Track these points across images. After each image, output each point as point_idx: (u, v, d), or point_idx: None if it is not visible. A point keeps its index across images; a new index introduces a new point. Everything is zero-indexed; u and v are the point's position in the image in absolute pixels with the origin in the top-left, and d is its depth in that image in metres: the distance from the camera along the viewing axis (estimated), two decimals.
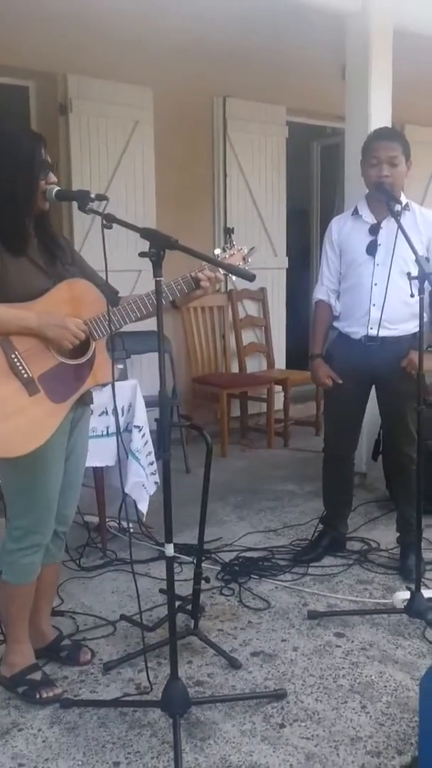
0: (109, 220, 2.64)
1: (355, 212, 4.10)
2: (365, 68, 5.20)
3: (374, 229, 4.00)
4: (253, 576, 4.11)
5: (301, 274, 8.70)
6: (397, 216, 3.69)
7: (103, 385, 2.95)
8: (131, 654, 3.30)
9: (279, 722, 2.89)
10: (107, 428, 4.09)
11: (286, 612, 3.75)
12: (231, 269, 2.79)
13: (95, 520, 4.46)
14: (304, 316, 8.95)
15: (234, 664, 3.25)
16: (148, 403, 4.26)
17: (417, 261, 3.34)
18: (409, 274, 3.44)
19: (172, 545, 2.63)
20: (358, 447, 4.51)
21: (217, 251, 2.98)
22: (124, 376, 4.19)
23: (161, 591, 3.73)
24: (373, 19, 5.13)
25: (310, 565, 4.25)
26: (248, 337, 7.27)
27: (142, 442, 4.18)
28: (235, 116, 6.99)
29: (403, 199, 3.99)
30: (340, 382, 4.10)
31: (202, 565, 3.51)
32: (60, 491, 3.01)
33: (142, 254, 2.57)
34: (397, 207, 3.81)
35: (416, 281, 3.34)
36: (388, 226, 3.93)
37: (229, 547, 4.50)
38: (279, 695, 3.04)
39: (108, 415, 4.05)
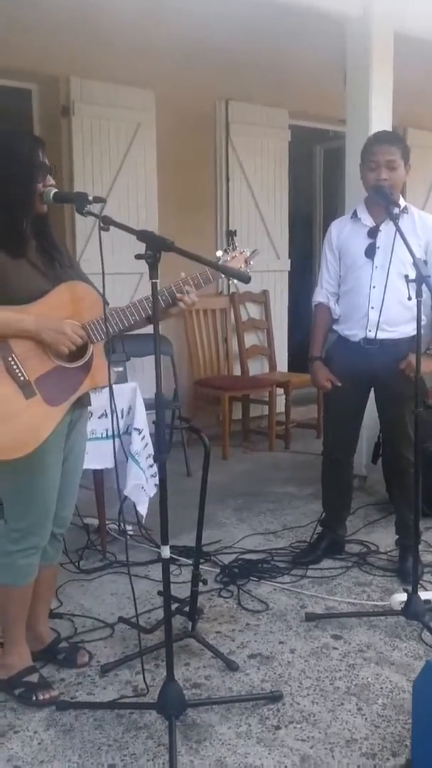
0: (106, 223, 2.65)
1: (354, 215, 4.11)
2: (366, 73, 5.20)
3: (373, 233, 4.00)
4: (252, 578, 4.12)
5: (303, 277, 8.71)
6: (395, 219, 3.70)
7: (101, 389, 2.95)
8: (129, 656, 3.30)
9: (275, 724, 2.90)
10: (107, 431, 4.09)
11: (284, 614, 3.76)
12: (225, 271, 2.80)
13: (95, 522, 4.47)
14: (306, 319, 8.97)
15: (231, 666, 3.25)
16: (149, 406, 4.26)
17: (415, 264, 3.35)
18: (407, 276, 3.45)
19: (168, 547, 2.64)
20: (357, 450, 4.53)
21: (219, 253, 3.00)
22: (123, 379, 4.20)
23: (160, 593, 3.73)
24: (374, 24, 5.13)
25: (309, 567, 4.26)
26: (250, 339, 7.28)
27: (141, 445, 4.19)
28: (238, 120, 6.99)
29: (402, 202, 4.00)
30: (339, 384, 4.11)
31: (201, 567, 3.51)
32: (58, 493, 3.01)
33: (138, 256, 2.59)
34: (396, 210, 3.83)
35: (414, 284, 3.35)
36: (387, 229, 3.94)
37: (229, 549, 4.50)
38: (275, 697, 3.05)
39: (107, 417, 4.05)
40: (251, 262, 3.07)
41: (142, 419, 4.21)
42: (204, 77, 6.61)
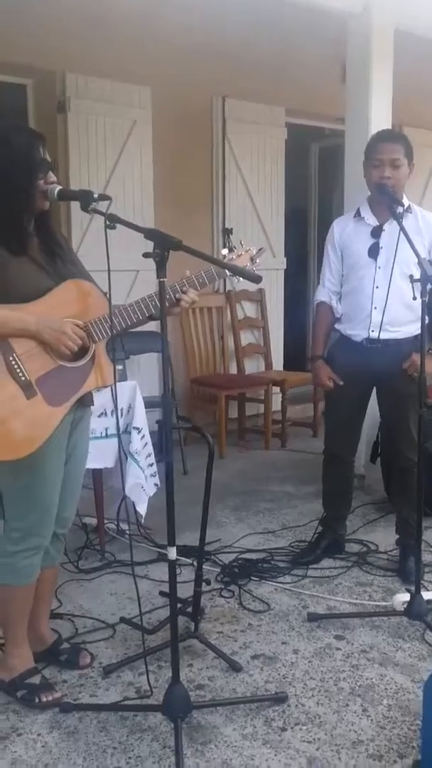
0: (113, 221, 2.62)
1: (357, 214, 4.09)
2: (366, 69, 5.18)
3: (376, 232, 3.99)
4: (252, 578, 4.10)
5: (298, 275, 8.69)
6: (399, 219, 3.68)
7: (104, 388, 2.93)
8: (131, 657, 3.27)
9: (280, 726, 2.88)
10: (106, 430, 4.07)
11: (286, 614, 3.74)
12: (237, 271, 2.77)
13: (93, 521, 4.44)
14: (302, 317, 8.98)
15: (235, 667, 3.23)
16: (147, 405, 4.25)
17: (420, 264, 3.33)
18: (411, 276, 3.43)
19: (174, 549, 2.62)
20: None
21: (225, 251, 2.97)
22: (123, 377, 4.17)
23: (161, 593, 3.72)
24: (375, 20, 5.12)
25: (310, 567, 4.24)
26: (246, 338, 7.26)
27: (141, 444, 4.16)
28: (234, 117, 6.98)
29: (405, 201, 3.98)
30: (341, 383, 4.09)
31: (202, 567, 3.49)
32: (60, 493, 2.99)
33: (146, 255, 2.56)
34: (399, 209, 3.81)
35: (419, 284, 3.33)
36: (390, 228, 3.92)
37: (228, 548, 4.48)
38: (280, 698, 3.02)
39: (107, 416, 4.03)
40: (257, 261, 3.04)
41: (141, 418, 4.18)
42: (200, 74, 6.59)
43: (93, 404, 3.09)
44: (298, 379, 6.98)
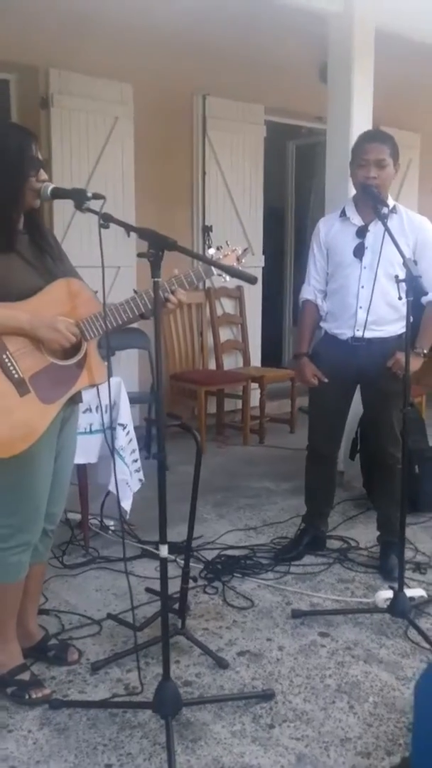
0: (107, 220, 2.62)
1: (343, 214, 4.11)
2: (348, 68, 5.22)
3: (361, 232, 4.01)
4: (235, 574, 4.12)
5: (274, 272, 8.73)
6: (383, 219, 3.71)
7: (96, 386, 2.94)
8: (119, 653, 3.29)
9: (268, 723, 2.90)
10: (90, 425, 4.08)
11: (269, 611, 3.76)
12: (233, 272, 2.78)
13: (77, 517, 4.44)
14: (278, 314, 9.03)
15: (221, 664, 3.25)
16: (130, 400, 4.27)
17: (405, 264, 3.36)
18: (396, 277, 3.46)
19: (166, 546, 2.64)
20: None
21: (212, 251, 2.98)
22: (109, 374, 4.17)
23: (147, 590, 3.73)
24: (356, 20, 5.15)
25: (292, 563, 4.27)
26: (225, 334, 7.28)
27: (126, 440, 4.18)
28: (215, 114, 7.00)
29: (391, 201, 4.01)
30: (326, 380, 4.12)
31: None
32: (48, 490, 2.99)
33: (140, 255, 2.57)
34: (385, 210, 3.84)
35: (404, 284, 3.36)
36: (375, 229, 3.95)
37: (211, 545, 4.50)
38: (267, 695, 3.05)
39: (92, 412, 4.03)
40: (242, 261, 3.05)
41: (126, 414, 4.19)
42: (181, 71, 6.60)
43: (82, 401, 3.10)
44: (275, 376, 7.03)
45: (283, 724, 2.90)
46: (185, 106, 6.92)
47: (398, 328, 3.94)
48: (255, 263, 7.54)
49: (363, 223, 4.02)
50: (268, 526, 4.84)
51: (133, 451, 4.24)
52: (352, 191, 4.11)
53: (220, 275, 2.93)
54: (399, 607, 3.55)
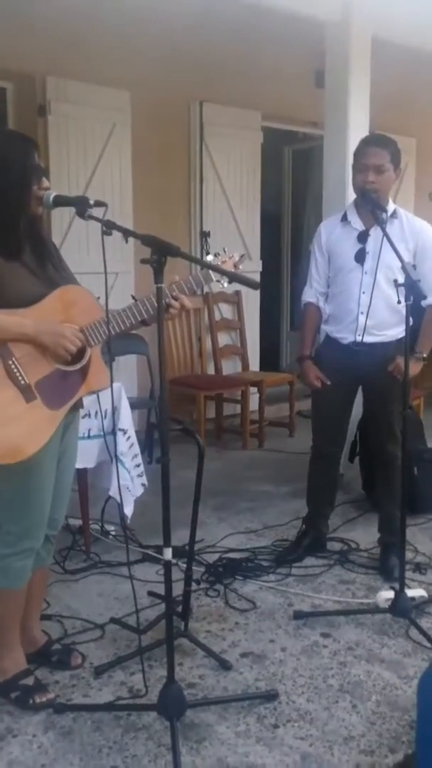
0: (109, 227, 2.65)
1: (344, 218, 4.14)
2: (345, 75, 5.27)
3: (363, 237, 4.04)
4: (237, 577, 4.15)
5: (271, 277, 8.75)
6: (382, 224, 3.74)
7: (100, 391, 2.97)
8: (122, 657, 3.31)
9: (272, 723, 2.93)
10: (89, 431, 4.09)
11: (272, 612, 3.79)
12: (236, 278, 2.81)
13: (78, 522, 4.46)
14: (276, 319, 9.05)
15: (225, 666, 3.28)
16: (130, 406, 4.29)
17: (403, 268, 3.38)
18: (395, 281, 3.49)
19: (170, 550, 2.66)
20: None
21: (210, 257, 3.00)
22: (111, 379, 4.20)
23: (150, 593, 3.75)
24: (353, 28, 5.20)
25: (293, 565, 4.29)
26: (223, 339, 7.31)
27: (127, 445, 4.19)
28: (212, 121, 7.03)
29: (391, 206, 4.04)
30: (329, 383, 4.15)
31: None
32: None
33: (143, 261, 2.60)
34: (384, 215, 3.87)
35: (403, 288, 3.39)
36: (376, 233, 3.97)
37: (212, 548, 4.53)
38: (271, 696, 3.08)
39: (91, 417, 4.05)
40: (240, 267, 3.08)
41: (127, 419, 4.21)
42: (179, 78, 6.64)
43: (83, 407, 3.13)
44: (274, 380, 7.06)
45: (287, 724, 2.92)
46: (182, 112, 6.95)
47: (399, 332, 3.97)
48: (252, 268, 7.57)
49: (364, 228, 4.05)
50: (269, 529, 4.87)
51: (135, 455, 4.26)
52: (350, 196, 4.15)
53: (218, 281, 2.97)
54: (400, 607, 3.57)
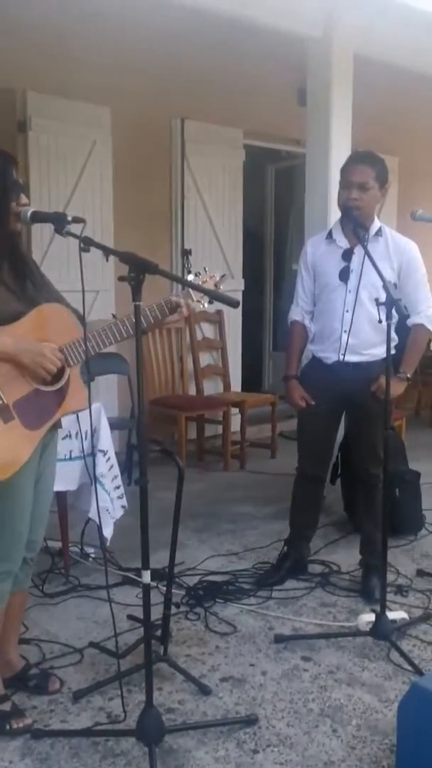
0: (87, 244, 2.62)
1: (329, 236, 4.14)
2: (327, 93, 5.29)
3: (347, 255, 4.03)
4: (217, 600, 4.10)
5: (254, 296, 8.73)
6: (363, 242, 3.73)
7: (78, 412, 2.93)
8: (101, 682, 3.25)
9: (252, 748, 2.88)
10: (70, 452, 4.05)
11: (252, 636, 3.75)
12: (216, 295, 2.79)
13: (57, 545, 4.40)
14: (258, 338, 9.03)
15: (204, 690, 3.23)
16: (110, 426, 4.25)
17: (384, 287, 3.37)
18: (377, 300, 3.47)
19: (149, 572, 2.62)
20: None
21: (191, 277, 2.98)
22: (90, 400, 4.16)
23: (129, 617, 3.70)
24: (335, 46, 5.22)
25: (274, 588, 4.25)
26: (205, 359, 7.27)
27: (107, 467, 4.15)
28: (193, 138, 7.01)
29: (377, 224, 4.03)
30: (314, 403, 4.12)
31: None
32: None
33: (121, 278, 2.57)
34: (366, 234, 3.86)
35: (384, 307, 3.38)
36: (360, 252, 3.95)
37: (192, 571, 4.48)
38: (251, 721, 3.03)
39: (71, 438, 4.00)
40: (221, 287, 3.05)
41: (107, 440, 4.17)
42: (160, 95, 6.63)
43: (61, 427, 3.09)
44: (256, 400, 7.02)
45: (267, 749, 2.88)
46: (164, 129, 6.93)
47: (382, 351, 3.94)
48: (234, 287, 7.54)
49: (349, 246, 4.04)
50: (250, 551, 4.82)
51: (115, 477, 4.21)
52: (333, 214, 4.15)
53: (199, 301, 2.94)
54: (381, 630, 3.55)
